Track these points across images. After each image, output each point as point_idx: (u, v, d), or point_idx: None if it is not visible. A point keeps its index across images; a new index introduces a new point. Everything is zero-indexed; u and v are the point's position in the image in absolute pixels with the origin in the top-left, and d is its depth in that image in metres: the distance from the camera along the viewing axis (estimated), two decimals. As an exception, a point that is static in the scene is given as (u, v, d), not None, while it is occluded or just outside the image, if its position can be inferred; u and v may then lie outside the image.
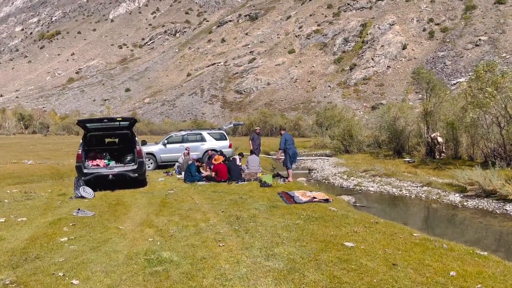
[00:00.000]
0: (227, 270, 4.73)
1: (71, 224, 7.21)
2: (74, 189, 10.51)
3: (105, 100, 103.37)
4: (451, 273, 4.44)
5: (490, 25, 77.36)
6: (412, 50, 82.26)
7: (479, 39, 74.34)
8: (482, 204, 10.79)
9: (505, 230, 8.95)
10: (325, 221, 6.92)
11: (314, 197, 8.95)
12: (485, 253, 5.27)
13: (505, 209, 10.13)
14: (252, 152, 15.03)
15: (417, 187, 13.39)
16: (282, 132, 13.15)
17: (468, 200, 11.26)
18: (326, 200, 8.89)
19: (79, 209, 8.31)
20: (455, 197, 11.65)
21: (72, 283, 4.48)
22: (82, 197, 10.07)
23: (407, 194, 12.87)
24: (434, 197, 12.05)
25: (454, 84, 59.57)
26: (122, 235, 6.48)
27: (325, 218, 7.13)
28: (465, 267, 4.60)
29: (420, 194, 12.58)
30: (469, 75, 64.23)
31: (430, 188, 12.95)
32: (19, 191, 11.21)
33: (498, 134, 15.34)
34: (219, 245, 5.71)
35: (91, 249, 5.72)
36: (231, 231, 6.46)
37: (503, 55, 66.54)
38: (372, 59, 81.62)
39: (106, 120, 11.74)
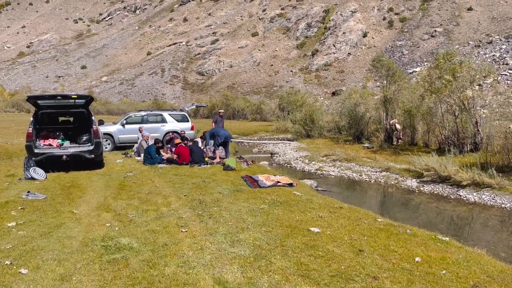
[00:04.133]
0: (191, 257, 4.53)
1: (19, 207, 6.70)
2: (23, 170, 9.83)
3: (59, 77, 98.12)
4: (416, 259, 4.48)
5: (446, 17, 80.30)
6: (372, 38, 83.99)
7: (435, 31, 77.04)
8: (437, 189, 11.21)
9: (460, 215, 9.34)
10: (290, 205, 6.85)
11: (278, 181, 8.88)
12: (447, 238, 5.40)
13: (459, 195, 10.58)
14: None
15: (376, 172, 13.71)
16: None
17: (425, 185, 11.66)
18: (290, 185, 8.85)
19: (29, 192, 7.76)
20: (412, 183, 12.03)
21: (20, 272, 4.11)
22: (32, 178, 9.43)
23: (367, 179, 13.15)
24: (392, 182, 12.38)
25: (410, 73, 61.55)
26: (77, 220, 6.09)
27: (290, 202, 7.06)
28: (429, 253, 4.67)
29: (379, 179, 12.89)
30: (424, 65, 66.67)
31: (388, 173, 13.30)
32: (-39, 171, 10.36)
33: (452, 122, 15.96)
34: (182, 231, 5.48)
35: (42, 235, 5.32)
36: (194, 216, 6.24)
37: (456, 46, 69.40)
38: (334, 46, 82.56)
39: (59, 97, 11.03)
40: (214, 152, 13.29)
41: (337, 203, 7.33)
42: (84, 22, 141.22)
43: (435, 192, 11.07)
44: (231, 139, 14.11)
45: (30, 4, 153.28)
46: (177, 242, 5.01)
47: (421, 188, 11.48)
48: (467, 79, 14.53)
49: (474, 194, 10.43)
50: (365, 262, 4.35)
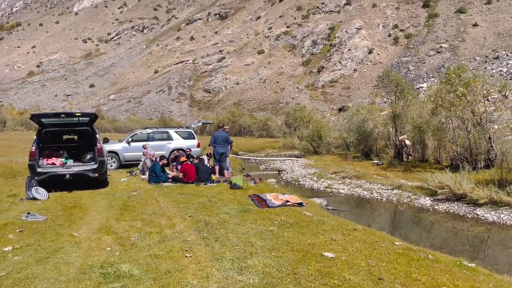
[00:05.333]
0: (195, 286, 4.17)
1: (18, 230, 6.41)
2: (25, 190, 9.59)
3: (68, 95, 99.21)
4: (442, 288, 4.10)
5: (451, 33, 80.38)
6: (378, 54, 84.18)
7: (441, 46, 77.05)
8: (453, 208, 10.75)
9: (478, 235, 8.88)
10: (300, 227, 6.48)
11: (287, 201, 8.53)
12: (473, 265, 4.98)
13: (476, 214, 10.11)
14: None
15: (387, 190, 13.28)
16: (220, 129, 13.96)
17: (439, 203, 11.21)
18: (300, 204, 8.48)
19: (29, 213, 7.48)
20: (426, 201, 11.58)
21: (10, 304, 3.80)
22: (34, 198, 9.18)
23: (378, 197, 12.72)
24: (405, 201, 11.94)
25: (417, 88, 61.25)
26: (76, 244, 5.77)
27: (301, 224, 6.69)
28: (455, 282, 4.27)
29: (391, 197, 12.45)
30: (431, 81, 66.40)
31: (400, 191, 12.87)
32: (-38, 191, 10.14)
33: (464, 138, 15.54)
34: (186, 256, 5.14)
35: (39, 260, 5.01)
36: (200, 239, 5.90)
37: (462, 62, 69.19)
38: (340, 62, 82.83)
39: (63, 115, 10.84)
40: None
41: (350, 224, 6.93)
42: (93, 41, 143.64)
43: (451, 211, 10.61)
44: (231, 144, 13.98)
45: (40, 24, 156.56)
46: (181, 269, 4.67)
47: (436, 207, 11.03)
48: (480, 94, 14.18)
49: (492, 213, 9.96)
50: (386, 293, 3.97)
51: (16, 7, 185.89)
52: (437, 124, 16.79)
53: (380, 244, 5.59)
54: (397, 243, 5.79)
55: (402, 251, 5.29)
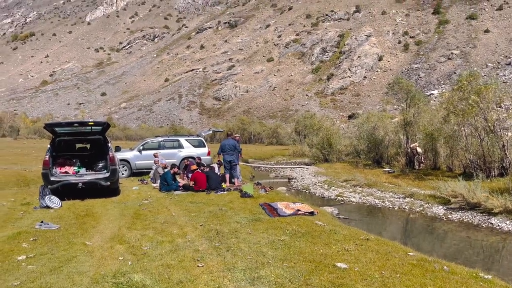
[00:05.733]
0: (208, 297, 4.17)
1: (31, 239, 6.48)
2: (39, 198, 9.71)
3: (80, 104, 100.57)
4: (459, 301, 4.02)
5: (462, 39, 79.81)
6: (388, 61, 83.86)
7: (452, 53, 76.52)
8: (467, 217, 10.58)
9: (493, 246, 8.72)
10: (312, 237, 6.43)
11: (299, 210, 8.48)
12: (489, 276, 4.88)
13: (491, 223, 9.94)
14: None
15: (399, 198, 13.15)
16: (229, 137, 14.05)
17: (452, 212, 11.05)
18: (311, 213, 8.44)
19: (42, 222, 7.56)
20: (439, 210, 11.42)
21: (25, 314, 3.83)
22: (47, 207, 9.28)
23: (390, 206, 12.59)
24: (417, 209, 11.79)
25: (428, 95, 60.78)
26: (89, 253, 5.81)
27: (312, 233, 6.64)
28: (472, 294, 4.20)
29: (403, 206, 12.32)
30: (442, 87, 65.85)
31: (412, 199, 12.72)
32: (-23, 200, 10.28)
33: (477, 146, 15.33)
34: (198, 266, 5.13)
35: (52, 270, 5.05)
36: (211, 249, 5.89)
37: (474, 69, 68.55)
38: (349, 70, 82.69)
39: (76, 124, 10.98)
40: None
41: (363, 234, 6.86)
42: (104, 51, 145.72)
43: (465, 220, 10.44)
44: (240, 152, 13.94)
45: (54, 34, 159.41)
46: (193, 279, 4.66)
47: (449, 216, 10.87)
48: (493, 101, 14.01)
49: (507, 222, 9.78)
50: (400, 305, 3.91)
51: (30, 17, 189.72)
52: (449, 131, 16.61)
53: (394, 255, 5.52)
54: (411, 253, 5.71)
55: (417, 262, 5.22)
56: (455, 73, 68.53)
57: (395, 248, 6.01)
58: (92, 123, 10.85)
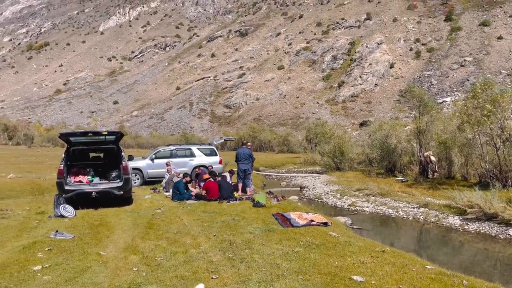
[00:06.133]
0: (223, 310, 4.13)
1: (47, 249, 6.52)
2: (53, 207, 9.80)
3: (93, 112, 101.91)
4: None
5: (475, 46, 79.04)
6: (399, 69, 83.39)
7: (464, 60, 75.77)
8: (484, 228, 10.37)
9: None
10: (327, 249, 6.36)
11: (312, 220, 8.41)
12: (511, 291, 4.78)
13: (509, 234, 9.72)
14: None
15: (413, 208, 12.96)
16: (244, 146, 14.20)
17: (469, 223, 10.84)
18: (325, 224, 8.35)
19: (57, 231, 7.61)
20: (455, 220, 11.22)
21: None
22: (62, 216, 9.35)
23: (404, 216, 12.41)
24: (432, 220, 11.60)
25: (440, 103, 60.18)
26: (103, 263, 5.82)
27: (327, 245, 6.56)
28: (494, 311, 4.10)
29: (418, 216, 12.13)
30: (455, 95, 65.15)
31: (427, 209, 12.52)
32: (-7, 208, 10.41)
33: (493, 155, 15.08)
34: (212, 278, 5.10)
35: (67, 280, 5.07)
36: (225, 260, 5.86)
37: (487, 75, 67.74)
38: (360, 77, 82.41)
39: (91, 134, 11.09)
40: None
41: (378, 245, 6.76)
42: (117, 59, 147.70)
43: (481, 231, 10.24)
44: (253, 160, 13.92)
45: (68, 44, 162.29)
46: (207, 292, 4.63)
47: (465, 227, 10.66)
48: (508, 109, 13.80)
49: (526, 233, 9.56)
50: (420, 321, 3.83)
51: (45, 27, 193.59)
52: (464, 140, 16.38)
53: (411, 268, 5.42)
54: (428, 266, 5.60)
55: (435, 276, 5.11)
56: (468, 80, 67.84)
57: (412, 260, 5.91)
58: (106, 133, 10.95)
